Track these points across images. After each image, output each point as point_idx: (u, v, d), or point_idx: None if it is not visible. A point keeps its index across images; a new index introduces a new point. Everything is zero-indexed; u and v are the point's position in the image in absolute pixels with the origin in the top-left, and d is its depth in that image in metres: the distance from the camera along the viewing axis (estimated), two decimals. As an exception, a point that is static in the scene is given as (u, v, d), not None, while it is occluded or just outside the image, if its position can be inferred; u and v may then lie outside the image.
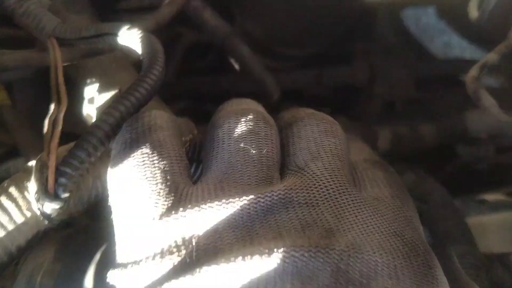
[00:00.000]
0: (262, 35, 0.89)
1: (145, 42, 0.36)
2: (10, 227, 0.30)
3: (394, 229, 0.28)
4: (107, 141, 0.31)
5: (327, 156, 0.30)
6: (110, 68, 0.48)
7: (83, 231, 0.38)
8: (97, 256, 0.35)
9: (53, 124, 0.33)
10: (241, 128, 0.30)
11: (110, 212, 0.29)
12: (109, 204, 0.29)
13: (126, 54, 0.42)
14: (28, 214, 0.31)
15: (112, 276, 0.26)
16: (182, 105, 0.85)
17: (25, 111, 0.61)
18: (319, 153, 0.30)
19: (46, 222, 0.31)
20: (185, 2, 0.51)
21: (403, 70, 0.99)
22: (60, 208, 0.30)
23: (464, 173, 0.83)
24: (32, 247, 0.34)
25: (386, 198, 0.30)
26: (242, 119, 0.30)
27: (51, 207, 0.30)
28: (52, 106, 0.36)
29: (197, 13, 0.60)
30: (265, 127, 0.31)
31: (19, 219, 0.30)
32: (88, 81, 0.48)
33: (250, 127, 0.30)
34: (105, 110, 0.32)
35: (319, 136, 0.31)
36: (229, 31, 0.63)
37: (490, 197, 0.78)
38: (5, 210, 0.30)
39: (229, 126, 0.30)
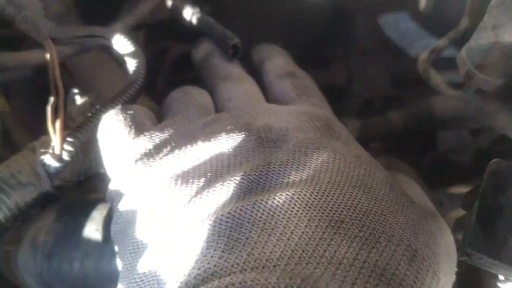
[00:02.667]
0: (246, 41, 0.96)
1: (131, 47, 0.43)
2: (20, 188, 0.35)
3: (300, 110, 0.42)
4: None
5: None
6: (95, 65, 0.54)
7: (77, 200, 0.44)
8: (94, 214, 0.40)
9: (54, 110, 0.39)
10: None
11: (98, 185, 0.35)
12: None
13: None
14: (34, 178, 0.36)
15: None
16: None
17: (23, 115, 0.66)
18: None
19: (47, 185, 0.36)
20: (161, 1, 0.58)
21: (380, 70, 1.03)
22: (60, 170, 0.36)
23: (443, 165, 0.87)
24: (32, 215, 0.39)
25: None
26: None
27: (55, 168, 0.35)
28: (52, 97, 0.42)
29: (177, 10, 0.65)
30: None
31: (28, 182, 0.36)
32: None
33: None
34: (102, 105, 0.39)
35: None
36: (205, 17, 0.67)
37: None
38: (15, 176, 0.36)
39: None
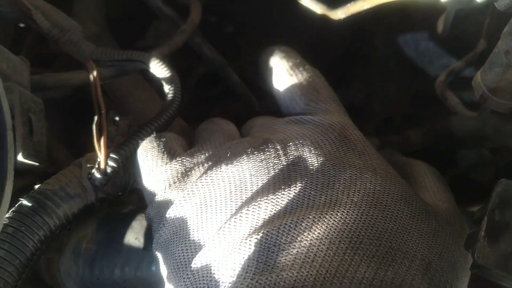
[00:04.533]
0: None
1: (167, 72, 0.47)
2: (68, 199, 0.39)
3: (314, 122, 0.45)
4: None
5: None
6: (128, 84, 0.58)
7: (116, 211, 0.47)
8: (134, 224, 0.43)
9: (98, 127, 0.43)
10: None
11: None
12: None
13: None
14: (80, 191, 0.40)
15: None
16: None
17: (59, 131, 0.70)
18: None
19: (92, 197, 0.40)
20: (190, 36, 0.62)
21: (399, 89, 1.05)
22: (104, 183, 0.39)
23: (462, 183, 0.88)
24: (76, 224, 0.42)
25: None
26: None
27: (100, 181, 0.39)
28: (95, 117, 0.45)
29: (198, 47, 0.72)
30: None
31: (75, 194, 0.39)
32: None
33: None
34: (142, 126, 0.43)
35: None
36: (222, 62, 0.75)
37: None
38: (64, 188, 0.39)
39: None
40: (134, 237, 0.43)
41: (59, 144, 0.67)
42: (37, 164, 0.42)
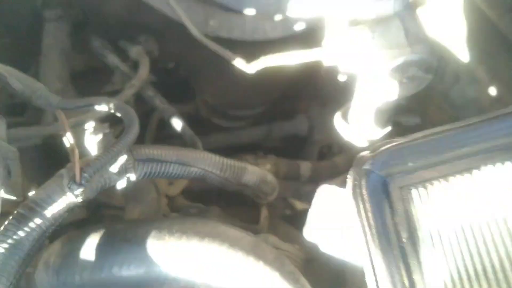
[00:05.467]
0: (215, 103, 1.15)
1: (124, 110, 0.60)
2: (54, 204, 0.50)
3: None
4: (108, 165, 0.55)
5: None
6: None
7: (77, 232, 0.59)
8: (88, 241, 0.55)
9: (72, 153, 0.54)
10: None
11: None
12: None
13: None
14: (63, 197, 0.51)
15: None
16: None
17: (31, 173, 0.81)
18: None
19: (73, 199, 0.51)
20: (139, 89, 0.76)
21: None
22: (82, 191, 0.51)
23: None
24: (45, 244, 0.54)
25: None
26: None
27: (78, 190, 0.50)
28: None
29: (151, 99, 0.87)
30: None
31: (59, 200, 0.51)
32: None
33: None
34: (109, 148, 0.54)
35: None
36: (173, 111, 0.89)
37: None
38: (50, 196, 0.51)
39: None
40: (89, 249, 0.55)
41: (32, 183, 0.78)
42: (14, 198, 0.54)
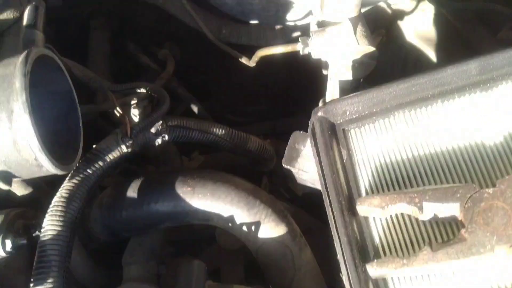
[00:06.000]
0: (229, 100, 1.37)
1: (158, 91, 0.81)
2: (111, 153, 0.70)
3: None
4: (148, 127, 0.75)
5: None
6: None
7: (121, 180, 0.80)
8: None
9: (123, 118, 0.75)
10: None
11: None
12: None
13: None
14: (117, 146, 0.71)
15: None
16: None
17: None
18: None
19: (125, 149, 0.71)
20: (166, 81, 0.99)
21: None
22: (131, 143, 0.71)
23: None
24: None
25: None
26: None
27: (128, 142, 0.71)
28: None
29: (174, 88, 1.09)
30: None
31: (115, 149, 0.71)
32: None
33: None
34: (149, 115, 0.76)
35: None
36: (191, 97, 1.11)
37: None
38: (108, 146, 0.70)
39: None
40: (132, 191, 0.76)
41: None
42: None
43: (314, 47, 0.68)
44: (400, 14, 1.20)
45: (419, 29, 1.20)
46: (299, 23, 1.12)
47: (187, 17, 1.03)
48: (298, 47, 0.71)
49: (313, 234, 0.93)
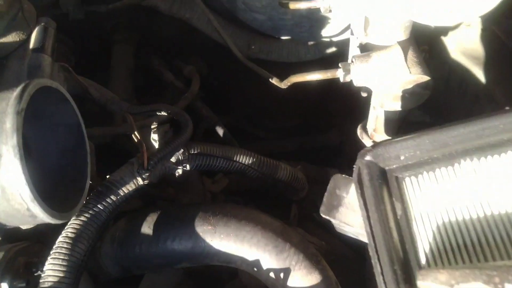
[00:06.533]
0: (254, 115, 1.29)
1: (180, 114, 0.73)
2: (126, 185, 0.63)
3: None
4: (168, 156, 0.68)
5: None
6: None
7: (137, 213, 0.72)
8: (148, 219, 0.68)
9: (141, 145, 0.68)
10: None
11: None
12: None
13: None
14: (133, 179, 0.64)
15: None
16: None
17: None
18: None
19: (141, 182, 0.64)
20: (190, 101, 0.92)
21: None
22: (148, 175, 0.64)
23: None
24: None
25: None
26: None
27: (145, 174, 0.63)
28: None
29: (199, 110, 1.01)
30: None
31: (130, 181, 0.63)
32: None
33: None
34: (169, 143, 0.68)
35: None
36: (216, 119, 1.03)
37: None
38: (123, 178, 0.63)
39: None
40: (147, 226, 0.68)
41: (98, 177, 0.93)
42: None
43: (357, 75, 0.59)
44: (443, 29, 1.09)
45: (465, 46, 1.09)
46: (334, 39, 1.03)
47: (214, 32, 0.95)
48: (338, 73, 0.61)
49: (348, 262, 0.84)
